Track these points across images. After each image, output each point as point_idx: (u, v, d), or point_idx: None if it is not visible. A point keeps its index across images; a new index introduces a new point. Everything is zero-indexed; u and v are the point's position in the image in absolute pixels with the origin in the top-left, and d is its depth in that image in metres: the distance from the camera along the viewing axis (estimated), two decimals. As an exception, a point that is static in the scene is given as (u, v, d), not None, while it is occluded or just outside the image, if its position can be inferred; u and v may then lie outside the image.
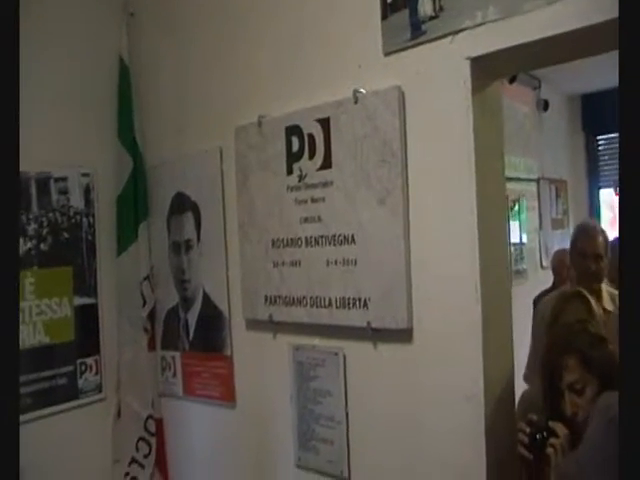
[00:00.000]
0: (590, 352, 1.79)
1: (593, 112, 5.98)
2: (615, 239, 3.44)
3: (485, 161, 1.81)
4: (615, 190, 5.84)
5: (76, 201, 2.75)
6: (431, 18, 1.82)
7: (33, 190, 2.58)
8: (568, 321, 2.23)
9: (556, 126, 5.79)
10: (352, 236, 2.03)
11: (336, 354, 2.13)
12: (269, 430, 2.42)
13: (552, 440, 1.72)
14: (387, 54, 1.95)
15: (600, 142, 6.15)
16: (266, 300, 2.33)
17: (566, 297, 2.53)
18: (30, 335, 2.55)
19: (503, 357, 1.91)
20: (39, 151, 2.54)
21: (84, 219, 2.77)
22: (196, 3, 2.67)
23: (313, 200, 2.15)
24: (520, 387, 2.51)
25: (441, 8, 1.79)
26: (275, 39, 2.31)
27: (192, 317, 2.73)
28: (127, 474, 2.82)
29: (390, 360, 1.99)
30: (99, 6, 2.86)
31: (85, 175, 2.78)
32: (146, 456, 2.84)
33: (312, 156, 2.14)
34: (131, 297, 2.82)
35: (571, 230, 4.11)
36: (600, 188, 6.15)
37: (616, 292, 2.82)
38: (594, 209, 6.13)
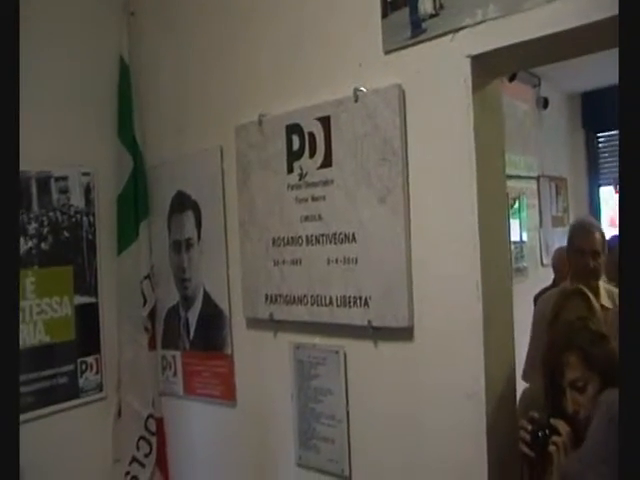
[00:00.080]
0: (591, 349, 1.78)
1: (593, 110, 5.97)
2: (614, 237, 3.45)
3: (486, 159, 1.81)
4: (615, 188, 5.84)
5: (76, 200, 2.75)
6: (431, 16, 1.82)
7: (34, 189, 2.58)
8: (569, 318, 2.22)
9: (556, 124, 5.79)
10: (353, 235, 2.03)
11: (337, 352, 2.13)
12: (270, 429, 2.42)
13: (554, 438, 1.72)
14: (387, 52, 1.95)
15: (600, 140, 6.15)
16: (267, 299, 2.33)
17: (566, 294, 2.53)
18: (31, 334, 2.55)
19: (504, 355, 1.91)
20: (39, 150, 2.54)
21: (84, 218, 2.77)
22: (196, 2, 2.66)
23: (314, 199, 2.15)
24: (521, 385, 2.52)
25: (441, 6, 1.79)
26: (275, 38, 2.31)
27: (193, 316, 2.72)
28: (128, 473, 2.82)
29: (391, 358, 1.99)
30: (100, 6, 2.86)
31: (85, 174, 2.78)
32: (147, 455, 2.84)
33: (312, 155, 2.14)
34: (132, 296, 2.82)
35: (571, 228, 4.10)
36: (600, 186, 6.15)
37: (613, 289, 2.83)
38: (594, 207, 6.12)
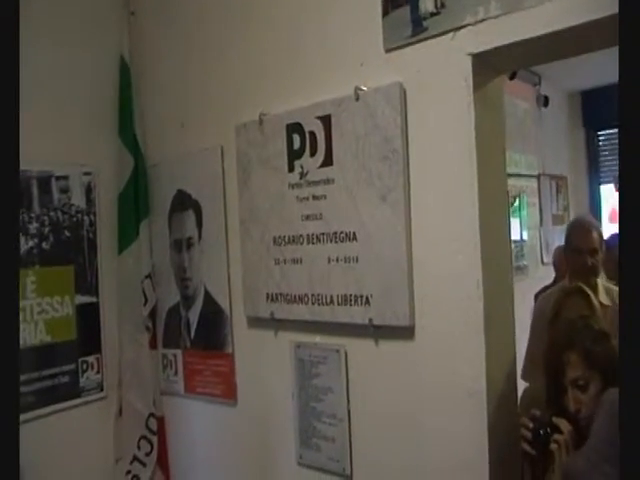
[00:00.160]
0: (593, 348, 1.79)
1: (593, 108, 5.97)
2: (614, 235, 3.45)
3: (487, 157, 1.81)
4: (615, 186, 5.83)
5: (77, 200, 2.74)
6: (432, 14, 1.82)
7: (34, 189, 2.58)
8: (569, 317, 2.22)
9: (556, 122, 5.79)
10: (353, 233, 2.03)
11: (337, 351, 2.13)
12: (270, 428, 2.42)
13: (556, 436, 1.72)
14: (388, 51, 1.94)
15: (600, 138, 6.15)
16: (267, 298, 2.33)
17: (567, 292, 2.53)
18: (32, 334, 2.55)
19: (505, 354, 1.91)
20: (40, 150, 2.53)
21: (85, 218, 2.77)
22: (197, 2, 2.66)
23: (314, 197, 2.15)
24: (522, 384, 2.52)
25: (442, 4, 1.79)
26: (276, 37, 2.31)
27: (193, 315, 2.72)
28: (129, 472, 2.82)
29: (392, 357, 1.99)
30: (100, 5, 2.86)
31: (86, 174, 2.78)
32: (148, 454, 2.85)
33: (313, 153, 2.14)
34: (132, 295, 2.82)
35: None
36: (601, 184, 6.14)
37: (612, 286, 2.84)
38: (595, 205, 6.12)
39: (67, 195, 2.70)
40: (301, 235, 2.20)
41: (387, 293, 1.94)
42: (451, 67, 1.79)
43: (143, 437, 2.83)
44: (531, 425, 1.77)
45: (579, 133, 6.19)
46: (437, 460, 1.88)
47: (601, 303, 2.59)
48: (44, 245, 2.61)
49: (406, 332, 1.93)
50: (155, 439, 2.85)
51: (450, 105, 1.81)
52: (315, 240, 2.15)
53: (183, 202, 2.73)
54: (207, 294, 2.64)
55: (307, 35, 2.20)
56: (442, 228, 1.84)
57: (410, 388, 1.94)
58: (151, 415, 2.84)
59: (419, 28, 1.85)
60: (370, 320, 1.99)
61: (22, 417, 2.35)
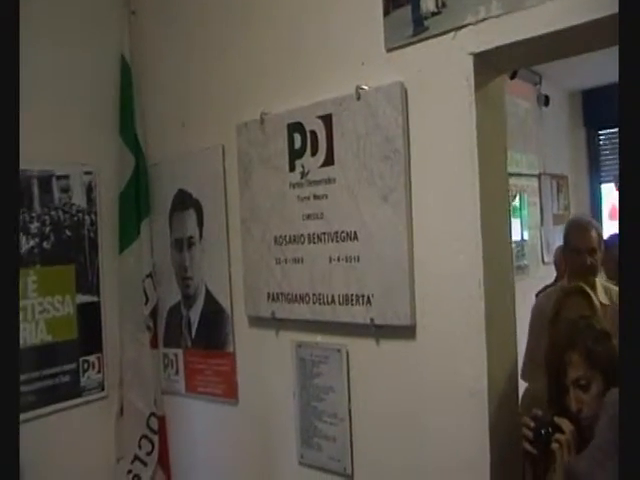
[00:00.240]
0: (595, 347, 1.79)
1: (594, 107, 5.96)
2: (614, 235, 3.45)
3: (488, 157, 1.81)
4: (616, 185, 5.83)
5: (78, 199, 2.74)
6: (433, 14, 1.82)
7: (35, 188, 2.58)
8: (570, 317, 2.23)
9: (557, 121, 5.78)
10: (355, 233, 2.03)
11: (339, 351, 2.13)
12: (272, 427, 2.42)
13: (557, 435, 1.72)
14: (389, 50, 1.94)
15: (601, 137, 6.14)
16: (269, 297, 2.33)
17: (567, 292, 2.54)
18: (33, 333, 2.55)
19: (507, 353, 1.91)
20: (41, 149, 2.53)
21: (86, 217, 2.77)
22: (198, 1, 2.66)
23: (315, 197, 2.14)
24: (523, 383, 2.52)
25: (443, 4, 1.79)
26: (277, 36, 2.31)
27: (194, 314, 2.72)
28: (130, 472, 2.82)
29: (393, 356, 1.99)
30: (101, 4, 2.86)
31: (87, 173, 2.78)
32: (149, 454, 2.85)
33: (314, 153, 2.14)
34: (133, 295, 2.83)
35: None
36: (601, 183, 6.13)
37: (611, 286, 2.84)
38: (595, 204, 6.12)
39: (68, 194, 2.71)
40: (302, 234, 2.19)
41: (388, 293, 1.94)
42: (452, 67, 1.79)
43: (144, 436, 2.84)
44: (532, 425, 1.77)
45: (580, 132, 6.18)
46: (438, 460, 1.88)
47: (600, 302, 2.59)
48: (45, 244, 2.61)
49: (407, 332, 1.92)
50: (156, 438, 2.86)
51: (451, 105, 1.81)
52: (316, 240, 2.15)
53: (184, 201, 2.73)
54: (208, 293, 2.64)
55: (308, 34, 2.20)
56: (443, 228, 1.84)
57: (411, 388, 1.94)
58: (152, 414, 2.84)
59: (420, 27, 1.85)
60: (371, 320, 1.99)
61: (23, 416, 2.35)
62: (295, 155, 2.21)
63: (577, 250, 2.88)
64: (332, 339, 2.16)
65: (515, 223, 4.83)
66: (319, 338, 2.20)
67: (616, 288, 2.77)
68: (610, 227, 5.36)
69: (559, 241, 4.93)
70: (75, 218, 2.73)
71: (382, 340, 2.01)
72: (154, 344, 2.89)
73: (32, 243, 2.56)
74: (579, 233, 2.93)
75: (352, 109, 2.02)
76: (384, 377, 2.01)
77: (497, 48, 1.71)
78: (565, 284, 2.95)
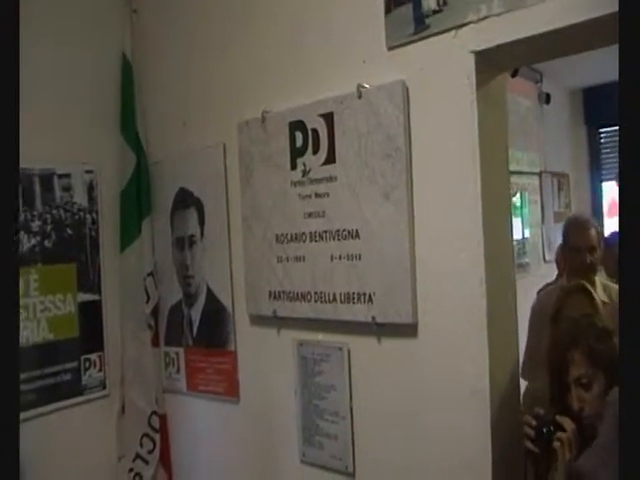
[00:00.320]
0: (597, 346, 1.78)
1: (595, 105, 5.95)
2: (614, 233, 3.45)
3: (489, 155, 1.81)
4: (617, 183, 5.82)
5: (79, 198, 2.74)
6: (435, 12, 1.81)
7: (37, 187, 2.58)
8: (572, 315, 2.23)
9: (558, 119, 5.77)
10: (356, 231, 2.03)
11: (340, 349, 2.13)
12: (273, 425, 2.42)
13: (559, 434, 1.71)
14: (391, 48, 1.94)
15: (602, 135, 6.12)
16: (270, 295, 2.33)
17: (568, 291, 2.53)
18: (34, 332, 2.55)
19: (508, 352, 1.91)
20: (42, 148, 2.53)
21: (87, 216, 2.77)
22: (199, -1, 2.67)
23: (317, 195, 2.14)
24: (523, 382, 2.51)
25: (445, 2, 1.79)
26: (278, 34, 2.31)
27: (196, 313, 2.72)
28: (131, 470, 2.82)
29: (395, 355, 1.99)
30: (102, 3, 2.85)
31: (88, 172, 2.78)
32: (150, 452, 2.85)
33: (316, 151, 2.14)
34: (135, 293, 2.83)
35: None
36: (602, 181, 6.12)
37: (610, 283, 2.84)
38: (596, 202, 6.11)
39: (69, 193, 2.70)
40: (304, 233, 2.19)
41: (390, 291, 1.94)
42: (454, 65, 1.79)
43: (145, 435, 2.84)
44: (534, 423, 1.77)
45: (581, 130, 6.17)
46: (440, 458, 1.88)
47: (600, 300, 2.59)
48: (46, 243, 2.61)
49: (409, 330, 1.92)
50: (157, 437, 2.86)
51: (453, 103, 1.81)
52: (318, 238, 2.15)
53: (185, 200, 2.73)
54: (209, 292, 2.64)
55: (310, 33, 2.20)
56: (445, 226, 1.84)
57: (413, 386, 1.94)
58: (153, 413, 2.85)
59: (421, 26, 1.85)
60: (373, 318, 1.99)
61: (24, 415, 2.36)
62: (296, 153, 2.20)
63: (576, 248, 2.88)
64: (334, 337, 2.16)
65: (516, 221, 4.82)
66: (320, 336, 2.20)
67: (615, 286, 2.77)
68: (609, 223, 5.36)
69: (560, 239, 4.94)
70: (76, 217, 2.73)
71: (384, 338, 2.01)
72: (155, 342, 2.89)
73: (33, 242, 2.56)
74: (578, 231, 2.93)
75: (353, 107, 2.02)
76: (386, 375, 2.01)
77: (498, 46, 1.70)
78: (564, 282, 2.95)
